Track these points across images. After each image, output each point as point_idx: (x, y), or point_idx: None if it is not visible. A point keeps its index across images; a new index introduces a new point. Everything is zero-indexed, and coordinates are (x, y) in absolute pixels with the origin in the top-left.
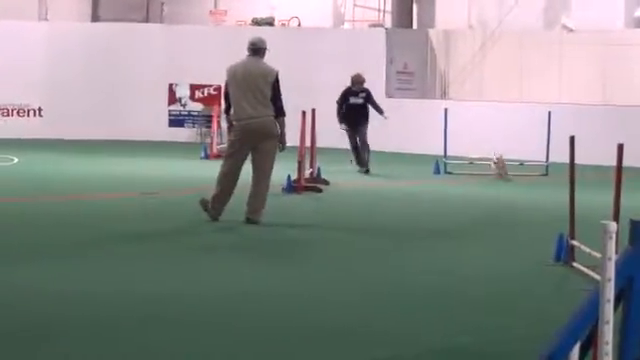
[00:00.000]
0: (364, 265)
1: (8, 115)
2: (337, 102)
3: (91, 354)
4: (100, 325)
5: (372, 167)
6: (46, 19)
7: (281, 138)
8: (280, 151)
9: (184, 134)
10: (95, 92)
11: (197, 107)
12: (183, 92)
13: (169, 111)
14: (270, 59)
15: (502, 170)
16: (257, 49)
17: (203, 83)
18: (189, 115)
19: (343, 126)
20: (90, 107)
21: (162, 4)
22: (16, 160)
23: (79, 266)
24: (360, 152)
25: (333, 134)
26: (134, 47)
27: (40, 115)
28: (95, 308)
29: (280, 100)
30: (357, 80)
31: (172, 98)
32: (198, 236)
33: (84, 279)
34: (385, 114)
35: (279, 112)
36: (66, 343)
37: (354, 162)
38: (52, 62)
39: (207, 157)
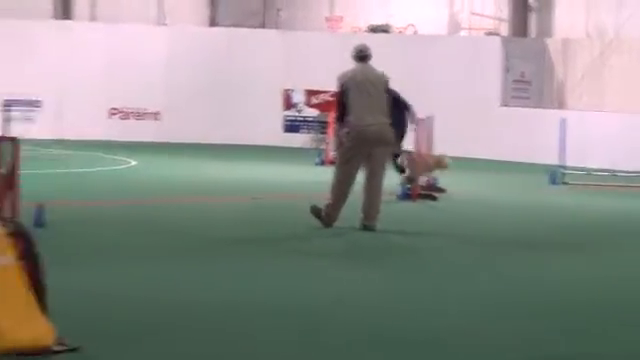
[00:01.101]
0: (477, 275)
1: (127, 118)
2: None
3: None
4: (206, 329)
5: (484, 176)
6: (165, 24)
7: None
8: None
9: (299, 140)
10: (212, 97)
11: (313, 113)
12: (299, 98)
13: (285, 116)
14: (385, 66)
15: None
16: (365, 55)
17: (319, 89)
18: (304, 121)
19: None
20: (207, 111)
21: (278, 10)
22: (133, 163)
23: (189, 269)
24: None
25: (448, 141)
26: (251, 52)
27: (158, 119)
28: (196, 313)
29: (403, 99)
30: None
31: (288, 104)
32: (309, 242)
33: (193, 283)
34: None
35: (407, 107)
36: (173, 346)
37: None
38: (170, 66)
39: (322, 163)
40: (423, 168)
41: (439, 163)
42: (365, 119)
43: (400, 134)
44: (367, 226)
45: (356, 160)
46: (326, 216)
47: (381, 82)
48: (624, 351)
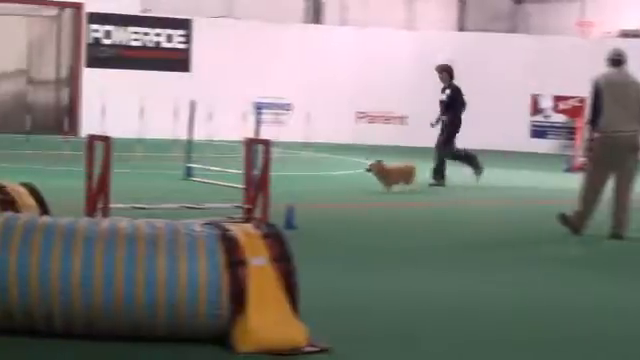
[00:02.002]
0: None
1: (373, 122)
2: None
3: None
4: (461, 334)
5: None
6: (413, 28)
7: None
8: None
9: (546, 145)
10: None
11: (560, 118)
12: (546, 103)
13: (532, 122)
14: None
15: None
16: (620, 60)
17: (567, 94)
18: (552, 126)
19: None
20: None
21: (528, 15)
22: None
23: (440, 273)
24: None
25: None
26: (498, 57)
27: (404, 123)
28: (450, 318)
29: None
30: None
31: (535, 109)
32: (556, 248)
33: (434, 286)
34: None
35: None
36: (427, 348)
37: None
38: (418, 70)
39: (570, 170)
40: None
41: None
42: (617, 125)
43: None
44: (615, 234)
45: (606, 167)
46: (574, 223)
47: (635, 89)
48: None
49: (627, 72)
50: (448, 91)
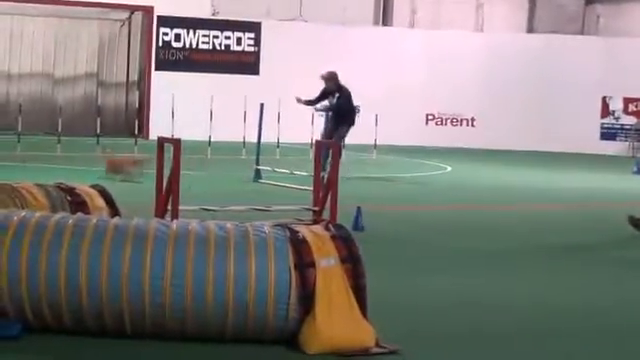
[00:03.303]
0: None
1: (442, 124)
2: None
3: None
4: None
5: None
6: (482, 30)
7: None
8: None
9: (615, 147)
10: (527, 103)
11: (630, 120)
12: (617, 105)
13: (601, 124)
14: None
15: None
16: None
17: (637, 96)
18: (622, 128)
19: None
20: (521, 118)
21: (598, 17)
22: (449, 169)
23: (500, 275)
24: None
25: None
26: (569, 58)
27: (473, 125)
28: (508, 316)
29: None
30: (327, 78)
31: (605, 111)
32: (626, 250)
33: (501, 288)
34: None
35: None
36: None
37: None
38: (486, 72)
39: (639, 172)
40: None
41: None
42: None
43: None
44: None
45: None
46: None
47: None
48: None
49: None
50: (337, 95)
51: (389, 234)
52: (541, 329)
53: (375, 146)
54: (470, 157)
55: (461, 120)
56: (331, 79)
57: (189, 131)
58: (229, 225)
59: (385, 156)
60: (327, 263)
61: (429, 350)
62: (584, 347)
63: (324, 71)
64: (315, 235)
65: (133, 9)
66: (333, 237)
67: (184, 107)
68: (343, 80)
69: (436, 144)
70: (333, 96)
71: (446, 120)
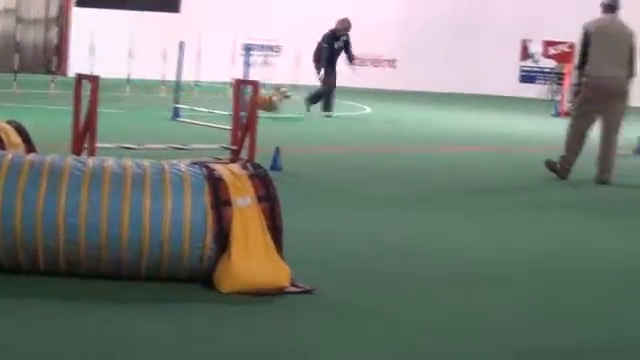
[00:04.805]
0: None
1: (363, 65)
2: (318, 52)
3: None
4: (423, 279)
5: None
6: None
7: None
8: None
9: (535, 90)
10: (448, 45)
11: (550, 64)
12: (536, 48)
13: (521, 67)
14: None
15: None
16: (614, 7)
17: (557, 40)
18: (541, 71)
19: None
20: (442, 60)
21: None
22: (368, 110)
23: (417, 217)
24: (332, 97)
25: None
26: (489, 1)
27: (394, 66)
28: (419, 261)
29: (635, 61)
30: (345, 25)
31: (525, 54)
32: (542, 193)
33: (420, 230)
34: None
35: (631, 73)
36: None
37: (320, 105)
38: (407, 15)
39: (557, 115)
40: None
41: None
42: (604, 71)
43: None
44: (601, 179)
45: (591, 113)
46: (561, 169)
47: (627, 37)
48: None
49: (619, 19)
50: (345, 38)
51: (307, 175)
52: (456, 274)
53: (295, 87)
54: (390, 99)
55: (382, 61)
56: (349, 26)
57: (108, 69)
58: (146, 163)
59: (304, 96)
60: (244, 202)
61: (343, 290)
62: (495, 291)
63: (343, 17)
64: (232, 174)
65: None
66: (250, 176)
67: (103, 44)
68: (266, 20)
69: (356, 85)
70: (338, 40)
71: (367, 62)
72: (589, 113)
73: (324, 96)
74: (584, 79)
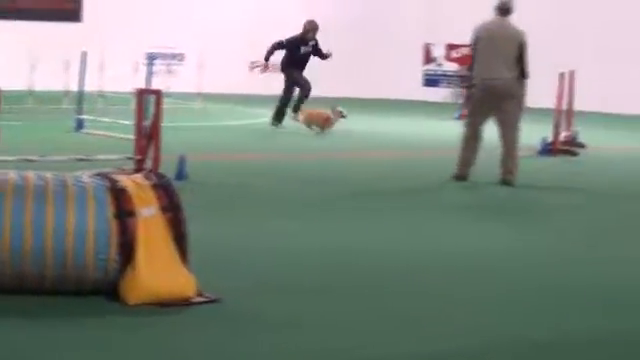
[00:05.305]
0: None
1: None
2: (279, 45)
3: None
4: (345, 286)
5: (616, 129)
6: None
7: (523, 102)
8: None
9: (439, 94)
10: (351, 50)
11: (453, 67)
12: (439, 52)
13: (424, 71)
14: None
15: None
16: (507, 9)
17: (459, 43)
18: (444, 75)
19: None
20: (345, 64)
21: None
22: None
23: (322, 223)
24: (285, 107)
25: (592, 97)
26: (392, 6)
27: None
28: (310, 261)
29: (525, 63)
30: (314, 28)
31: (428, 58)
32: (444, 196)
33: (321, 234)
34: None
35: (523, 75)
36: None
37: (273, 117)
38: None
39: (460, 118)
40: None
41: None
42: (491, 73)
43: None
44: (504, 180)
45: (481, 114)
46: (459, 170)
47: (514, 38)
48: None
49: (508, 21)
50: (313, 42)
51: (213, 183)
52: (364, 279)
53: (199, 95)
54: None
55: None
56: (317, 28)
57: (9, 81)
58: (48, 175)
59: (211, 105)
60: (148, 212)
61: (249, 299)
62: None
63: (309, 19)
64: (135, 184)
65: None
66: (154, 186)
67: (3, 56)
68: (169, 28)
69: (261, 92)
70: (307, 45)
71: (271, 67)
72: (480, 115)
73: (283, 106)
74: (473, 81)
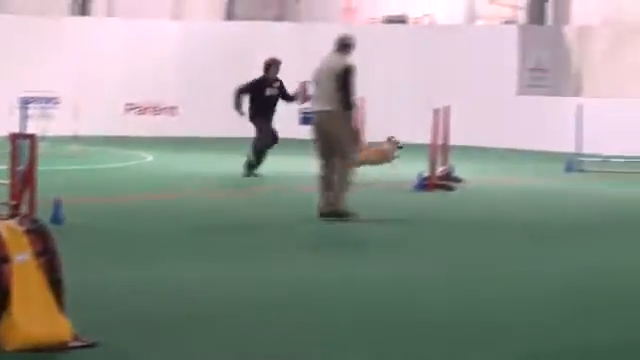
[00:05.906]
0: (489, 262)
1: (143, 113)
2: (241, 91)
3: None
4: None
5: (501, 164)
6: (180, 18)
7: (351, 132)
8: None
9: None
10: (228, 90)
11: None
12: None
13: (300, 110)
14: (402, 56)
15: None
16: (343, 45)
17: None
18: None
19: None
20: (223, 105)
21: (296, 1)
22: (150, 158)
23: (185, 262)
24: (263, 155)
25: (465, 130)
26: (268, 45)
27: (175, 114)
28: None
29: (345, 93)
30: (276, 66)
31: (305, 97)
32: (294, 231)
33: (182, 273)
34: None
35: (344, 106)
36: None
37: (247, 166)
38: (186, 61)
39: None
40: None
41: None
42: (314, 107)
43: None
44: (321, 212)
45: (317, 148)
46: (322, 208)
47: (332, 70)
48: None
49: (339, 56)
50: (277, 83)
51: (90, 226)
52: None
53: (75, 138)
54: (172, 146)
55: (162, 109)
56: (278, 67)
57: None
58: None
59: (87, 147)
60: (21, 258)
61: (128, 341)
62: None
63: (271, 58)
64: (9, 230)
65: None
66: (27, 231)
67: None
68: (43, 72)
69: (138, 134)
70: (271, 86)
71: (146, 109)
72: (317, 147)
73: (261, 154)
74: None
